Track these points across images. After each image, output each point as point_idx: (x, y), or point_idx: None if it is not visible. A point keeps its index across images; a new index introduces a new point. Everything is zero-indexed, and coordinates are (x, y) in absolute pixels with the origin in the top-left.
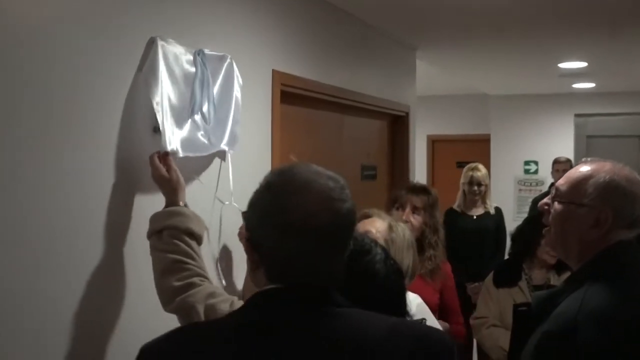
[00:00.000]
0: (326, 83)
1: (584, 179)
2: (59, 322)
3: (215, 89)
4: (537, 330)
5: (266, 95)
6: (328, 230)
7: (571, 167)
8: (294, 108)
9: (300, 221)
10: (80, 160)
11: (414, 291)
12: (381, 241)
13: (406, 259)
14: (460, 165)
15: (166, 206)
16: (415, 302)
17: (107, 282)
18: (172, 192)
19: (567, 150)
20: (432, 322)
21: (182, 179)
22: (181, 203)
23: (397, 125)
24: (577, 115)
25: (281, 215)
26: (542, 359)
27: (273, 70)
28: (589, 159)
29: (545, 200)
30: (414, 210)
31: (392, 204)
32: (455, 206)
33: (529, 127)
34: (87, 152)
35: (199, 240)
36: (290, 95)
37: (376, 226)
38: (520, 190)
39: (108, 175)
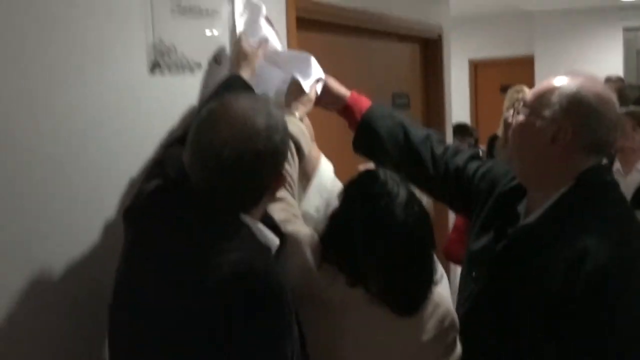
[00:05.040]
0: (347, 6)
1: (550, 91)
2: None
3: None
4: (523, 288)
5: (280, 24)
6: (229, 164)
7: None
8: (314, 35)
9: (204, 149)
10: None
11: None
12: None
13: None
14: (505, 89)
15: None
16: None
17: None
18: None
19: (616, 68)
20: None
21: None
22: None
23: (430, 50)
24: (626, 29)
25: (196, 135)
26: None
27: None
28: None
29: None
30: None
31: None
32: (499, 133)
33: (575, 45)
34: None
35: None
36: (307, 22)
37: None
38: None
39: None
